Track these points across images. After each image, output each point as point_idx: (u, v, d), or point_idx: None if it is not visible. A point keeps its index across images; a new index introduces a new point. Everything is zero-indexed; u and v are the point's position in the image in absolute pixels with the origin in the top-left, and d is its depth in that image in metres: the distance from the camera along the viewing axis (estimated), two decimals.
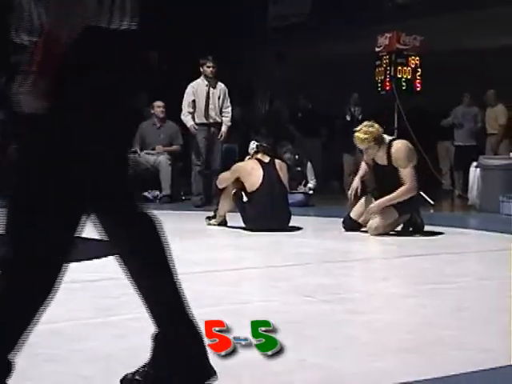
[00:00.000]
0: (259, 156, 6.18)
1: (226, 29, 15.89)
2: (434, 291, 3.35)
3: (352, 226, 5.81)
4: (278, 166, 6.18)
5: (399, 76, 9.27)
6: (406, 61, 9.31)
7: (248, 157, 6.34)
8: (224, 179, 6.25)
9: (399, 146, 5.71)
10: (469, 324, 2.76)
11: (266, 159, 6.17)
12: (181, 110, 9.03)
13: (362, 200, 5.95)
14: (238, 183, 6.07)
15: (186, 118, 8.97)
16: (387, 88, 9.26)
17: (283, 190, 6.16)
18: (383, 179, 5.72)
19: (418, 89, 9.45)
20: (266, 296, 3.29)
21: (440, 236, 5.77)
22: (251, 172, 6.03)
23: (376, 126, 5.75)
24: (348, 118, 10.88)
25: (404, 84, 9.31)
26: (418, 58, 9.36)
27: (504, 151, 10.05)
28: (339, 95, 12.46)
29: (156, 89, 8.80)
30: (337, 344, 2.44)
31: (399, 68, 9.28)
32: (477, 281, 3.72)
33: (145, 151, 9.66)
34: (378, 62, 9.35)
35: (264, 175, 6.00)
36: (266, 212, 5.86)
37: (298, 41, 15.55)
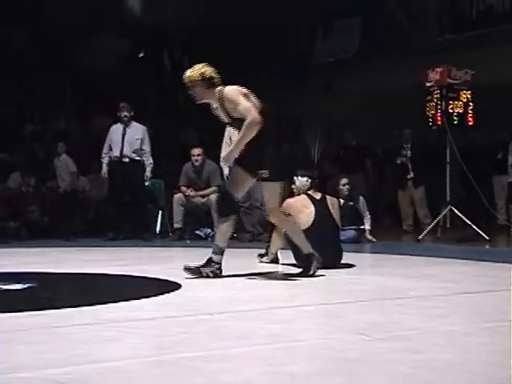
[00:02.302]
0: (310, 192, 6.11)
1: (270, 64, 16.02)
2: (494, 329, 3.27)
3: None
4: (329, 203, 6.10)
5: (450, 110, 9.19)
6: (458, 95, 9.24)
7: (297, 191, 6.23)
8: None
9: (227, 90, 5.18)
10: None
11: (318, 196, 6.09)
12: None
13: None
14: None
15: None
16: (438, 123, 9.19)
17: (335, 227, 6.09)
18: None
19: (471, 123, 9.35)
20: (319, 334, 3.25)
21: (497, 272, 5.65)
22: (302, 210, 5.96)
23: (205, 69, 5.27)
24: (407, 154, 10.71)
25: (456, 118, 9.23)
26: (469, 91, 9.28)
27: None
28: (386, 130, 12.43)
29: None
30: (392, 383, 2.39)
31: (450, 102, 9.21)
32: None
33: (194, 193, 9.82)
34: (428, 97, 9.30)
35: (315, 213, 5.94)
36: (318, 250, 5.82)
37: (346, 75, 15.59)
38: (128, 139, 9.84)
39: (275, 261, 6.31)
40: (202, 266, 5.20)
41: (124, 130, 9.88)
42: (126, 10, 19.52)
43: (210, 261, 5.23)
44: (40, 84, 15.27)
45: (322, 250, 5.79)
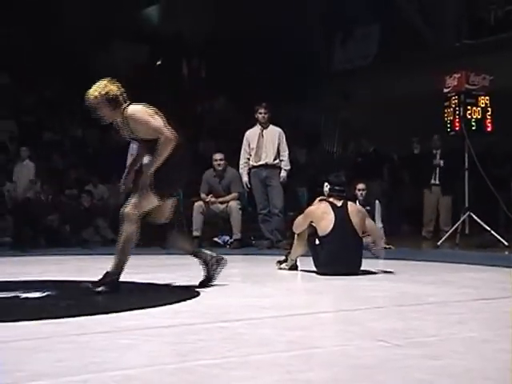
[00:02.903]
0: (332, 199, 6.11)
1: (291, 71, 16.03)
2: None
3: None
4: (350, 210, 6.09)
5: (469, 116, 9.15)
6: (476, 101, 9.20)
7: (319, 198, 6.24)
8: (299, 224, 6.21)
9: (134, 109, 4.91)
10: None
11: (339, 203, 6.08)
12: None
13: None
14: (312, 228, 6.04)
15: (241, 171, 9.24)
16: (457, 129, 9.15)
17: (355, 234, 6.07)
18: None
19: (489, 129, 9.29)
20: (338, 341, 3.25)
21: None
22: (322, 216, 5.97)
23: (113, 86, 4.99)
24: (438, 162, 10.66)
25: (474, 124, 9.19)
26: (487, 97, 9.23)
27: None
28: (404, 136, 12.39)
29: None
30: None
31: (468, 108, 9.16)
32: None
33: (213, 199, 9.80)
34: (446, 103, 9.26)
35: (336, 219, 5.93)
36: (338, 256, 5.81)
37: (363, 82, 15.59)
38: None
39: (294, 267, 6.31)
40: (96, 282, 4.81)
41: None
42: (143, 18, 19.66)
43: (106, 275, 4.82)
44: (58, 92, 15.38)
45: (341, 257, 5.80)
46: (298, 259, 6.30)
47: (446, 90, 9.31)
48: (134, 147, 9.36)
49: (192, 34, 18.57)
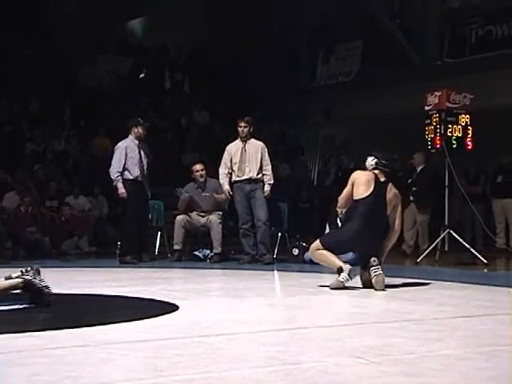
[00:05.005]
0: (377, 172, 6.21)
1: (273, 86, 16.08)
2: (491, 353, 3.25)
3: None
4: (388, 189, 6.18)
5: (449, 134, 9.21)
6: (457, 119, 9.26)
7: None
8: (343, 194, 6.25)
9: None
10: None
11: (382, 178, 6.20)
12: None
13: None
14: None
15: (222, 181, 9.25)
16: (437, 146, 9.20)
17: (384, 214, 6.12)
18: None
19: (470, 147, 9.35)
20: (316, 357, 3.23)
21: (494, 296, 5.63)
22: (365, 182, 6.10)
23: None
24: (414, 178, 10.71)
25: (455, 142, 9.24)
26: (468, 115, 9.30)
27: None
28: (386, 153, 12.44)
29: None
30: None
31: (449, 126, 9.22)
32: None
33: (195, 212, 9.74)
34: (427, 121, 9.32)
35: (374, 191, 6.06)
36: (366, 226, 5.93)
37: (345, 99, 15.67)
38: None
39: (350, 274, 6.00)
40: None
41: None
42: (127, 31, 19.66)
43: None
44: (40, 103, 15.30)
45: (370, 227, 5.93)
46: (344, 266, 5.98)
47: (427, 108, 9.37)
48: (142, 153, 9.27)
49: (176, 48, 18.59)
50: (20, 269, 4.75)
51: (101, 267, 8.87)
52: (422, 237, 10.65)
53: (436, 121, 9.20)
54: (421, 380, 2.73)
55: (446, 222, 9.20)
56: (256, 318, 4.48)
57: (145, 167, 9.36)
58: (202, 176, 9.75)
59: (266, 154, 9.25)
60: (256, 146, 9.24)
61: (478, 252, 8.97)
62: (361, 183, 6.12)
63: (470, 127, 9.31)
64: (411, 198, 10.70)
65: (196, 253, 9.92)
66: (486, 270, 8.32)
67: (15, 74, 15.61)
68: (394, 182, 6.42)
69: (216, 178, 9.71)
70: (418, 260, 9.09)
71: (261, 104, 15.27)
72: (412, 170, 10.88)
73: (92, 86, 16.34)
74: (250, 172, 9.12)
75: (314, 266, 8.03)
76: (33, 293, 4.69)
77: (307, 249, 8.20)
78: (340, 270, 5.95)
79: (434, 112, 9.25)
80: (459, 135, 9.25)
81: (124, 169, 9.21)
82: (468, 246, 8.94)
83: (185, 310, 4.64)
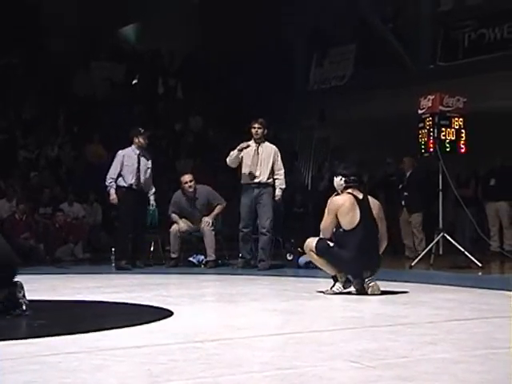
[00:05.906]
0: (351, 191, 5.92)
1: (267, 90, 16.10)
2: (486, 357, 3.26)
3: None
4: (371, 204, 5.97)
5: (443, 138, 9.22)
6: (450, 122, 9.28)
7: (335, 193, 6.04)
8: (326, 225, 5.92)
9: None
10: None
11: (360, 195, 5.93)
12: None
13: None
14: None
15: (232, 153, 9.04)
16: (431, 150, 9.21)
17: (377, 230, 5.97)
18: None
19: (463, 150, 9.37)
20: (311, 361, 3.23)
21: (489, 299, 5.64)
22: (350, 209, 5.81)
23: None
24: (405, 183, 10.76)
25: (448, 145, 9.26)
26: (461, 119, 9.32)
27: None
28: (380, 156, 12.48)
29: None
30: None
31: (443, 130, 9.23)
32: None
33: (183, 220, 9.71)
34: (421, 124, 9.33)
35: (362, 216, 5.81)
36: (366, 250, 5.81)
37: (340, 102, 15.70)
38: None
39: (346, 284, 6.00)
40: None
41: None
42: (120, 37, 19.66)
43: None
44: (34, 110, 15.29)
45: (366, 253, 5.80)
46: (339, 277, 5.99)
47: (420, 112, 9.38)
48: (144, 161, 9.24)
49: (169, 54, 18.61)
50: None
51: (95, 273, 8.86)
52: (417, 238, 10.70)
53: (429, 124, 9.21)
54: (415, 383, 2.73)
55: (441, 226, 9.21)
56: (251, 323, 4.48)
57: (145, 176, 9.31)
58: (190, 187, 9.63)
59: (279, 159, 9.07)
60: (269, 150, 9.04)
61: (472, 255, 8.98)
62: (345, 212, 5.81)
63: (463, 130, 9.33)
64: (403, 203, 10.76)
65: (190, 259, 9.91)
66: (480, 274, 8.33)
67: (9, 81, 15.59)
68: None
69: (209, 184, 9.68)
70: (413, 264, 9.08)
71: (255, 108, 15.28)
72: (403, 175, 10.94)
73: (85, 93, 16.34)
74: (261, 176, 8.97)
75: (308, 271, 8.05)
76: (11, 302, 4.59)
77: (301, 254, 8.21)
78: (335, 279, 5.98)
79: (428, 115, 9.26)
80: (452, 138, 9.27)
81: (119, 176, 9.19)
82: (462, 250, 8.95)
83: (180, 316, 4.63)
